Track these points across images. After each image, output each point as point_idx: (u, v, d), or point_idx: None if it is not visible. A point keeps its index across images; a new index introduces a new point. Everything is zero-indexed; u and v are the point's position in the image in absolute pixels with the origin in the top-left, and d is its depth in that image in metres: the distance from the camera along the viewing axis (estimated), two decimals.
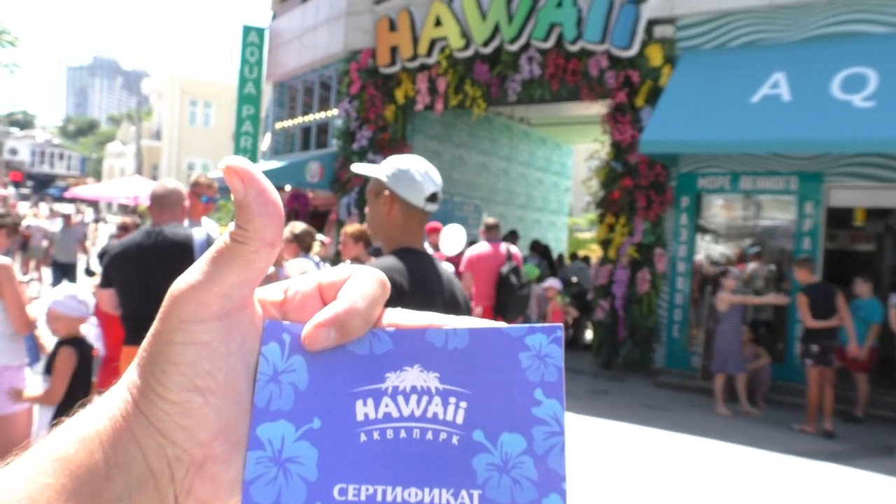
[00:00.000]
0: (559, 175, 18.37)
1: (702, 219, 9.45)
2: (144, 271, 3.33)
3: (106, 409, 0.36)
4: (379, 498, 0.35)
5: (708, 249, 9.61)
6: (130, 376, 0.37)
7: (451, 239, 4.61)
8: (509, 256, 6.64)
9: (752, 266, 9.09)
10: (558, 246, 17.76)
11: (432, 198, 2.11)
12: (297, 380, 0.37)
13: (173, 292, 0.36)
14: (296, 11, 14.80)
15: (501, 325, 0.37)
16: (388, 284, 0.39)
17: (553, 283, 9.48)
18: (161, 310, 0.36)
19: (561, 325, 0.37)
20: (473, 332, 0.37)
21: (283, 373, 0.37)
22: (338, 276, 0.39)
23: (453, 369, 0.37)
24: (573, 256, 13.42)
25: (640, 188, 9.16)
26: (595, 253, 12.74)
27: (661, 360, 9.29)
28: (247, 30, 16.05)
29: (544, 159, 17.41)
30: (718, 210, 9.60)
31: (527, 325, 0.37)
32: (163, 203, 3.52)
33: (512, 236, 10.25)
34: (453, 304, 2.16)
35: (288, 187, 13.64)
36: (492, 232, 6.92)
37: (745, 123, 7.63)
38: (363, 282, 0.38)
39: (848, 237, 11.01)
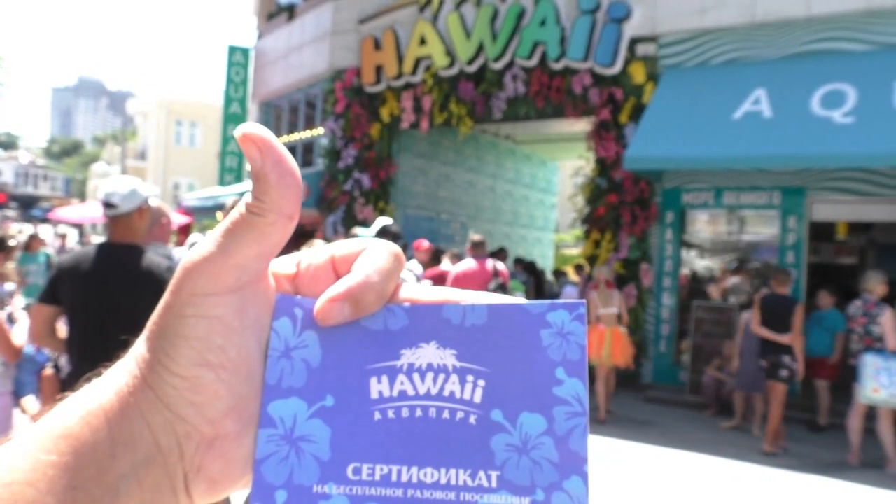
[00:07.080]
0: (545, 192, 18.46)
1: (686, 234, 9.51)
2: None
3: (112, 383, 0.35)
4: (394, 478, 0.34)
5: (693, 264, 9.66)
6: (139, 350, 0.35)
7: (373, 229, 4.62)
8: (496, 273, 6.64)
9: (732, 281, 9.15)
10: (545, 262, 17.79)
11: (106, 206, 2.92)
12: (310, 356, 0.35)
13: (185, 264, 0.35)
14: (281, 31, 14.86)
15: (521, 300, 0.36)
16: (403, 258, 0.38)
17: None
18: (172, 282, 0.35)
19: (584, 301, 0.36)
20: (492, 309, 0.36)
21: (294, 349, 0.35)
22: (351, 249, 0.38)
23: (471, 346, 0.36)
24: (556, 273, 13.46)
25: (625, 204, 9.21)
26: (572, 268, 12.79)
27: (648, 375, 9.29)
28: (232, 50, 16.11)
29: (530, 176, 17.50)
30: (703, 225, 9.67)
31: (548, 301, 0.36)
32: None
33: (501, 253, 10.24)
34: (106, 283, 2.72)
35: None
36: (478, 249, 6.91)
37: (727, 139, 7.71)
38: (377, 255, 0.37)
39: (831, 251, 11.12)
